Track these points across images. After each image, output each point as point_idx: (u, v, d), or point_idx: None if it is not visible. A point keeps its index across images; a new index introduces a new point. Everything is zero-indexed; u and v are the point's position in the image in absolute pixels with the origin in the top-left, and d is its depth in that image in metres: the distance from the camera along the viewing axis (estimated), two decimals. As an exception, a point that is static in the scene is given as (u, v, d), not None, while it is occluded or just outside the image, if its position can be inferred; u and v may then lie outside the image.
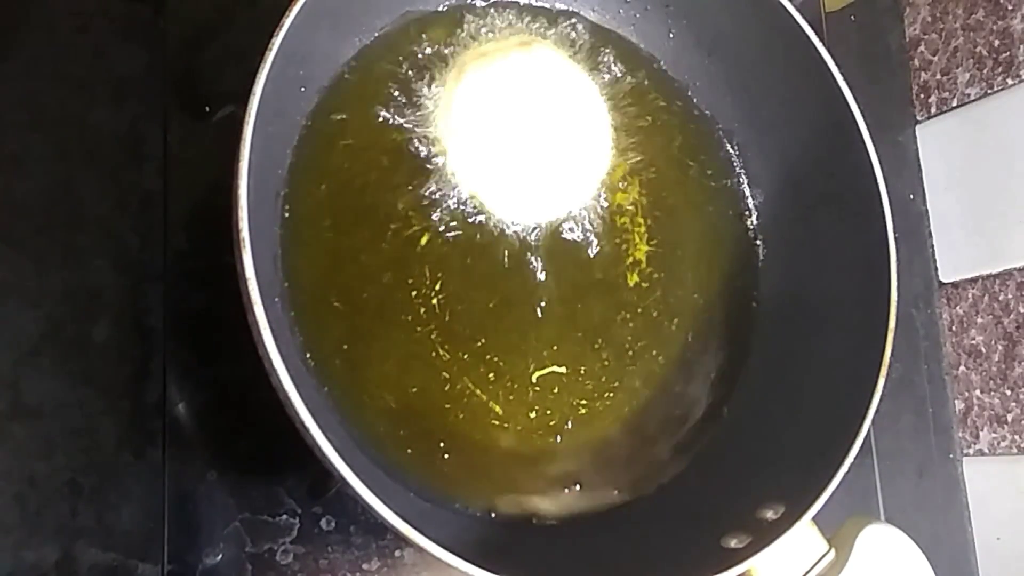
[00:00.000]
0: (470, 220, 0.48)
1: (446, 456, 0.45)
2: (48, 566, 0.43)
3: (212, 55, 0.52)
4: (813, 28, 0.49)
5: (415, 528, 0.34)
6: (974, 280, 0.66)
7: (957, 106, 0.68)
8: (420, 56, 0.50)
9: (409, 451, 0.44)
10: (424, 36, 0.50)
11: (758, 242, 0.55)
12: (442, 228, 0.47)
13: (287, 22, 0.38)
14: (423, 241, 0.47)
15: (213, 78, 0.51)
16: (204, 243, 0.49)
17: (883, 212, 0.47)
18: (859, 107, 0.48)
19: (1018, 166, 0.63)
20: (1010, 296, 0.63)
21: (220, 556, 0.45)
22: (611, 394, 0.49)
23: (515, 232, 0.49)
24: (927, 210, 0.70)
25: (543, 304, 0.48)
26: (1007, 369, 0.63)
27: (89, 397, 0.45)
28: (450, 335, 0.46)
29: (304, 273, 0.43)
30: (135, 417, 0.46)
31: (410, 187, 0.47)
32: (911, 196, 0.70)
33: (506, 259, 0.48)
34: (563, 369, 0.48)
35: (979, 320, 0.66)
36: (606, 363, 0.49)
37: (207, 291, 0.48)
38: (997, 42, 0.65)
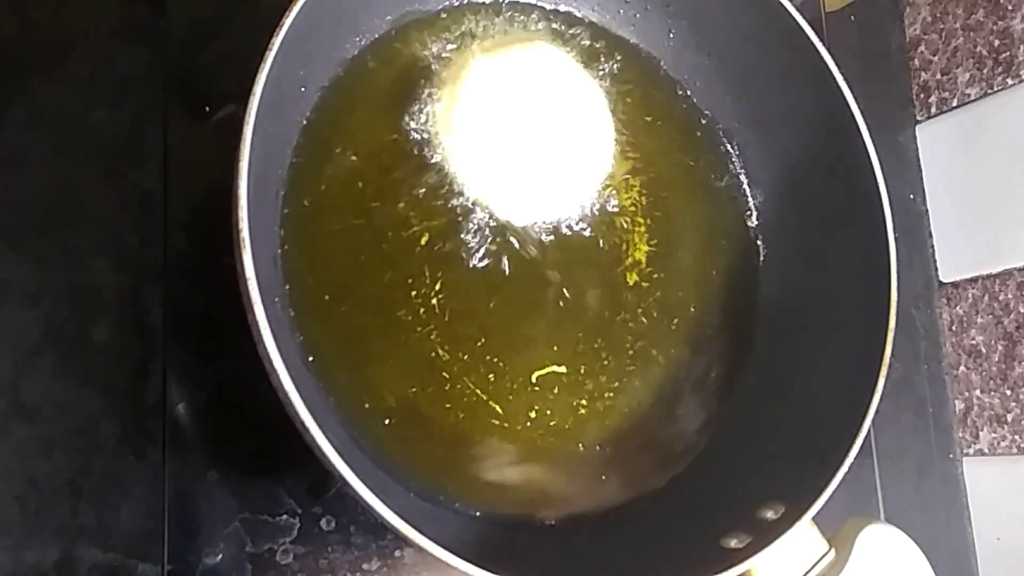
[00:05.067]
0: (470, 220, 0.48)
1: (446, 456, 0.45)
2: (48, 566, 0.43)
3: (212, 55, 0.52)
4: (813, 28, 0.49)
5: (415, 528, 0.34)
6: (974, 280, 0.66)
7: (957, 106, 0.68)
8: (421, 55, 0.50)
9: (409, 451, 0.44)
10: (424, 36, 0.50)
11: (758, 242, 0.55)
12: (442, 228, 0.47)
13: (287, 22, 0.38)
14: (423, 241, 0.47)
15: (213, 78, 0.51)
16: (204, 243, 0.49)
17: (883, 212, 0.47)
18: (859, 107, 0.48)
19: (1018, 166, 0.63)
20: (1010, 296, 0.63)
21: (220, 556, 0.45)
22: (611, 394, 0.49)
23: (515, 232, 0.48)
24: (927, 210, 0.70)
25: (543, 304, 0.48)
26: (1007, 369, 0.63)
27: (89, 397, 0.45)
28: (450, 335, 0.46)
29: (304, 273, 0.43)
30: (135, 417, 0.46)
31: (411, 187, 0.47)
32: (911, 196, 0.70)
33: (506, 259, 0.48)
34: (563, 369, 0.48)
35: (979, 320, 0.66)
36: (606, 363, 0.49)
37: (207, 291, 0.48)
38: (997, 42, 0.65)
